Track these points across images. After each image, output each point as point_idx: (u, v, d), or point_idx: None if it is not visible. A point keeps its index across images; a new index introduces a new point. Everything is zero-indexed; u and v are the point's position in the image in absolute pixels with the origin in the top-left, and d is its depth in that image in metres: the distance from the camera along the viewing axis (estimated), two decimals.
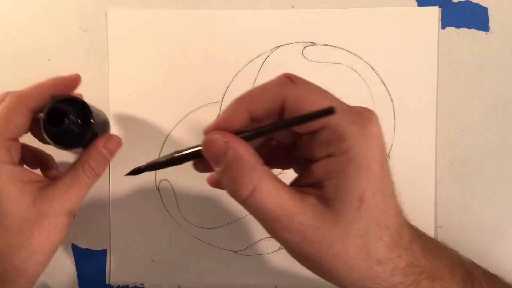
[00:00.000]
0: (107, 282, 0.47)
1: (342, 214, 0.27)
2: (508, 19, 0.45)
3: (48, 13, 0.45)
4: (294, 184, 0.30)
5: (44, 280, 0.47)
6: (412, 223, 0.45)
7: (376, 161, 0.27)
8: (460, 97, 0.45)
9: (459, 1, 0.45)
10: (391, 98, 0.45)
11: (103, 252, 0.46)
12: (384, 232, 0.28)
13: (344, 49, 0.45)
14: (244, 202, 0.27)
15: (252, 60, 0.45)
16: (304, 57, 0.45)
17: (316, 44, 0.45)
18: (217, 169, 0.28)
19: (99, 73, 0.45)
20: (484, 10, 0.45)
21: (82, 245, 0.46)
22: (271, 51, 0.45)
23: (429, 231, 0.45)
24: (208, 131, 0.29)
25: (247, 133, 0.28)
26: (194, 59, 0.45)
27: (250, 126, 0.28)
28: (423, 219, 0.45)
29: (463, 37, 0.45)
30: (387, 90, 0.45)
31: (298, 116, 0.26)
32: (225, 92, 0.45)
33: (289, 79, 0.28)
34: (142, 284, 0.46)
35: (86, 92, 0.45)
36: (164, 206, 0.46)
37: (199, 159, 0.30)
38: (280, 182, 0.28)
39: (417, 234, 0.31)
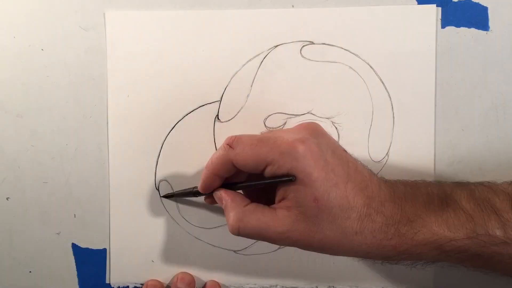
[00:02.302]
0: (107, 282, 0.47)
1: (307, 215, 0.35)
2: (508, 18, 0.45)
3: (48, 13, 0.45)
4: (273, 202, 0.38)
5: (44, 279, 0.47)
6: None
7: (314, 170, 0.35)
8: (460, 97, 0.45)
9: (459, 1, 0.45)
10: (389, 97, 0.45)
11: (103, 252, 0.46)
12: (349, 212, 0.35)
13: (342, 48, 0.45)
14: (239, 236, 0.38)
15: (250, 60, 0.45)
16: (302, 56, 0.45)
17: (314, 43, 0.45)
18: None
19: (99, 73, 0.45)
20: (484, 9, 0.45)
21: (82, 245, 0.46)
22: (269, 50, 0.45)
23: None
24: (199, 188, 0.40)
25: (233, 185, 0.40)
26: (193, 59, 0.45)
27: (230, 178, 0.40)
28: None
29: (463, 37, 0.45)
30: (386, 89, 0.45)
31: (263, 181, 0.37)
32: (224, 91, 0.45)
33: (228, 146, 0.37)
34: (142, 284, 0.46)
35: (86, 92, 0.45)
36: (164, 206, 0.46)
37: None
38: (261, 209, 0.37)
39: (391, 192, 0.37)
